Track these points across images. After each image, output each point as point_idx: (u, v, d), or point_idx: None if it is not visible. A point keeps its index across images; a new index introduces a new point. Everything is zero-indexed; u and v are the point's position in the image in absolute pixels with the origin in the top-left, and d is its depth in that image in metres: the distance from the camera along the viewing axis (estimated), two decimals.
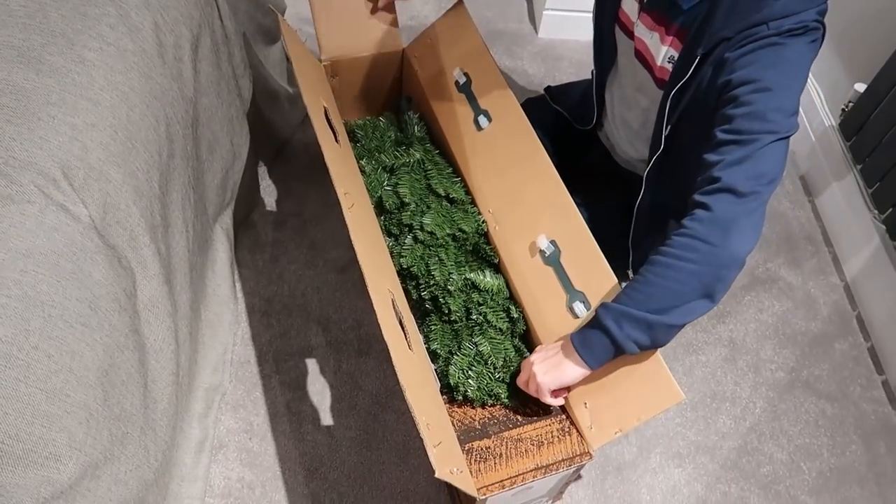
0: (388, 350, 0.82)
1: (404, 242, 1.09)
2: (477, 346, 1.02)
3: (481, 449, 0.93)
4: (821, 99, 1.65)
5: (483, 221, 1.11)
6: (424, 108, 1.27)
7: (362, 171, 1.16)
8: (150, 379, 0.89)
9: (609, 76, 1.17)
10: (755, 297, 1.48)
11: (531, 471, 0.91)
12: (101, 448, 0.76)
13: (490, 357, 1.00)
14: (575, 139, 1.32)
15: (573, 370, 0.90)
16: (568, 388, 0.95)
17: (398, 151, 1.19)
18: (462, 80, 1.19)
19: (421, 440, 0.79)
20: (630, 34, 1.04)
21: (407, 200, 1.11)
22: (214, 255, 1.24)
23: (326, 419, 1.23)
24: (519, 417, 0.98)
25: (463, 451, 0.92)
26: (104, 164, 0.81)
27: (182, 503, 1.04)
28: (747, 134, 0.83)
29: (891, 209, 1.37)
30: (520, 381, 0.97)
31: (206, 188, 1.15)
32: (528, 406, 0.99)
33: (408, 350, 0.90)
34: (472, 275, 1.05)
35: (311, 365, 1.29)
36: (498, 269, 1.10)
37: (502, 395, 0.99)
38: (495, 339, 1.02)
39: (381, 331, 0.84)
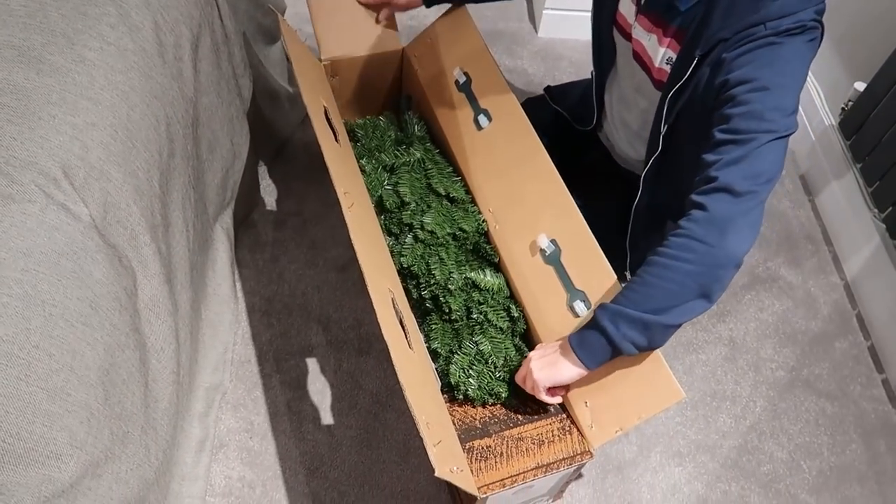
0: (388, 349, 0.82)
1: (405, 242, 1.09)
2: (477, 345, 1.02)
3: (482, 448, 0.93)
4: (820, 98, 1.65)
5: (483, 220, 1.11)
6: (424, 107, 1.27)
7: (363, 171, 1.16)
8: (151, 378, 0.89)
9: (608, 77, 1.17)
10: (755, 296, 1.48)
11: (532, 469, 0.92)
12: (102, 447, 0.76)
13: (490, 356, 1.00)
14: (574, 139, 1.32)
15: (570, 369, 0.90)
16: (566, 388, 0.96)
17: (398, 151, 1.19)
18: (462, 79, 1.19)
19: (421, 439, 0.79)
20: (628, 36, 1.04)
21: (407, 200, 1.11)
22: (215, 255, 1.24)
23: (327, 418, 1.23)
24: (519, 416, 0.98)
25: (463, 449, 0.92)
26: (105, 164, 0.81)
27: (183, 502, 1.04)
28: (745, 133, 0.82)
29: (891, 208, 1.37)
30: (518, 377, 0.98)
31: (207, 187, 1.16)
32: (528, 405, 0.99)
33: (408, 349, 0.90)
34: (472, 274, 1.06)
35: (312, 364, 1.29)
36: (498, 268, 1.10)
37: (503, 394, 0.99)
38: (496, 338, 1.02)
39: (381, 330, 0.84)
